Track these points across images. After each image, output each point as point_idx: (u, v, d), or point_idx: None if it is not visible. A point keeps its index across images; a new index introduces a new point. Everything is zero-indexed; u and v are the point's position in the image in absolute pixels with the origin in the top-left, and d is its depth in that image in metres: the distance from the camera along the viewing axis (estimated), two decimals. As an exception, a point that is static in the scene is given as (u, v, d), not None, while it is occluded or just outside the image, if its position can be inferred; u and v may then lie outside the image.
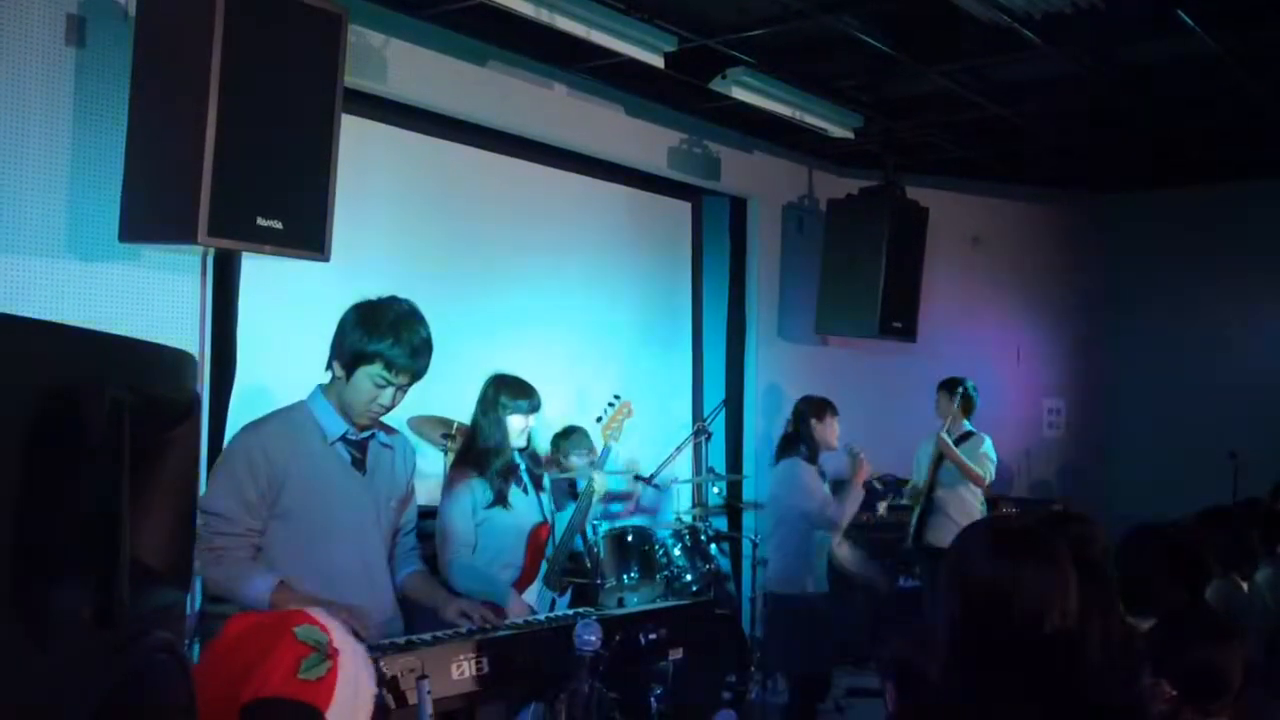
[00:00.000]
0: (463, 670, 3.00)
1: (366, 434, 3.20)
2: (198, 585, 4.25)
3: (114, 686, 1.11)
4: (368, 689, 1.57)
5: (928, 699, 2.21)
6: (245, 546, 3.04)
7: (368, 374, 3.04)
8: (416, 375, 3.12)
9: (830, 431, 5.66)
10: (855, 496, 5.55)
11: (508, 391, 4.19)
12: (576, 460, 5.52)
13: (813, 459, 5.63)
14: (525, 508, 4.25)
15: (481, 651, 3.04)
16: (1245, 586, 3.90)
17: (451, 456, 4.83)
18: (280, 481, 3.04)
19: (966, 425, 6.95)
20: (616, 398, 4.60)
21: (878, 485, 7.15)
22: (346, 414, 3.13)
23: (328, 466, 3.12)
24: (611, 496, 6.44)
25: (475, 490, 4.12)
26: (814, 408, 5.70)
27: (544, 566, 4.31)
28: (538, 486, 4.36)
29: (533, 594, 4.25)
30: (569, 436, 5.74)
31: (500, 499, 4.14)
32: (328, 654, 1.50)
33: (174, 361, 1.29)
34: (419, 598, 3.39)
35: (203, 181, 3.87)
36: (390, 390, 3.07)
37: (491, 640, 3.12)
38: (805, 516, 5.54)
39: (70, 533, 1.03)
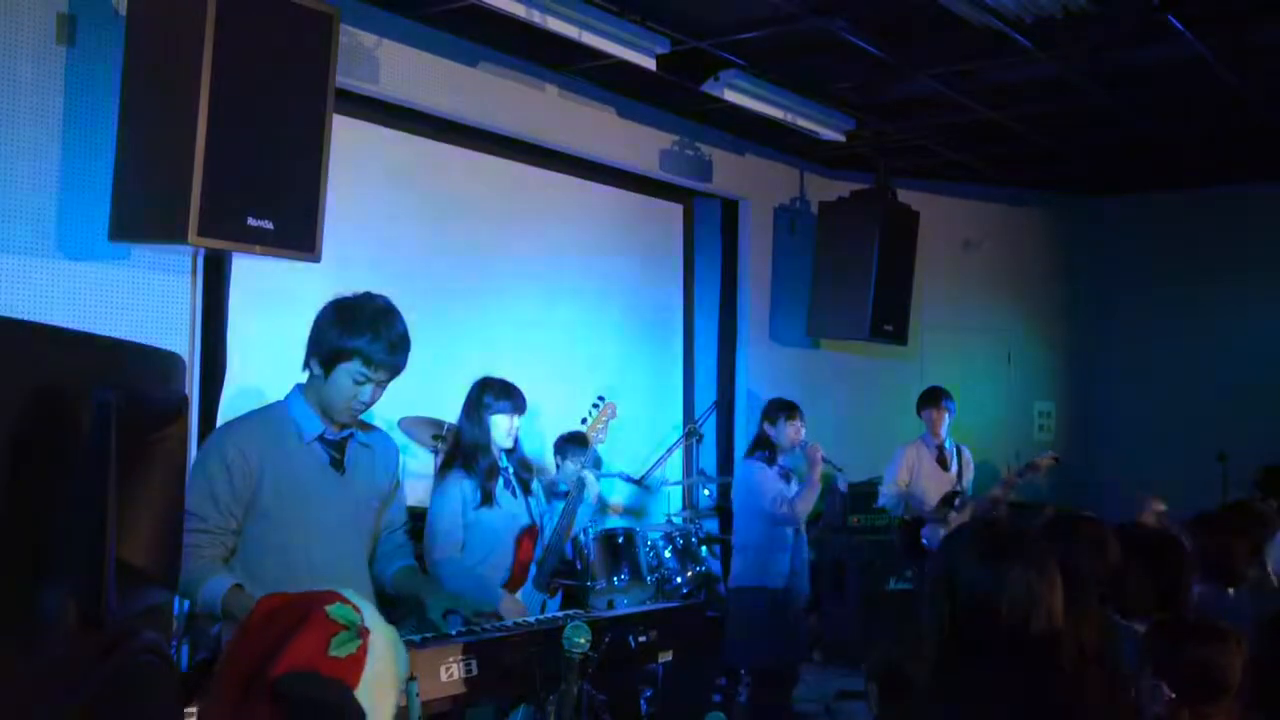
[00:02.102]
0: (452, 672, 3.00)
1: (345, 433, 3.16)
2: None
3: (101, 687, 1.12)
4: (396, 669, 1.61)
5: (914, 701, 2.22)
6: (216, 545, 2.99)
7: (347, 371, 3.01)
8: (395, 371, 3.09)
9: (785, 433, 5.76)
10: (810, 489, 5.68)
11: (491, 392, 4.21)
12: (571, 467, 5.52)
13: (772, 459, 5.77)
14: (513, 510, 4.26)
15: (470, 653, 3.04)
16: (1231, 593, 3.90)
17: (440, 458, 4.83)
18: (256, 481, 3.00)
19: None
20: (601, 399, 4.62)
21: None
22: (326, 413, 3.09)
23: (304, 467, 3.08)
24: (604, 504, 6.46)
25: (465, 489, 4.14)
26: (768, 410, 5.89)
27: (533, 569, 4.31)
28: (526, 490, 4.36)
29: (521, 596, 4.25)
30: (574, 442, 5.70)
31: (488, 498, 4.14)
32: (358, 633, 1.54)
33: (162, 363, 1.30)
34: (407, 591, 3.36)
35: (193, 181, 3.87)
36: (370, 387, 3.04)
37: (481, 642, 3.12)
38: (761, 514, 5.70)
39: (57, 534, 1.03)
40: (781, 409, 5.84)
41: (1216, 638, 2.63)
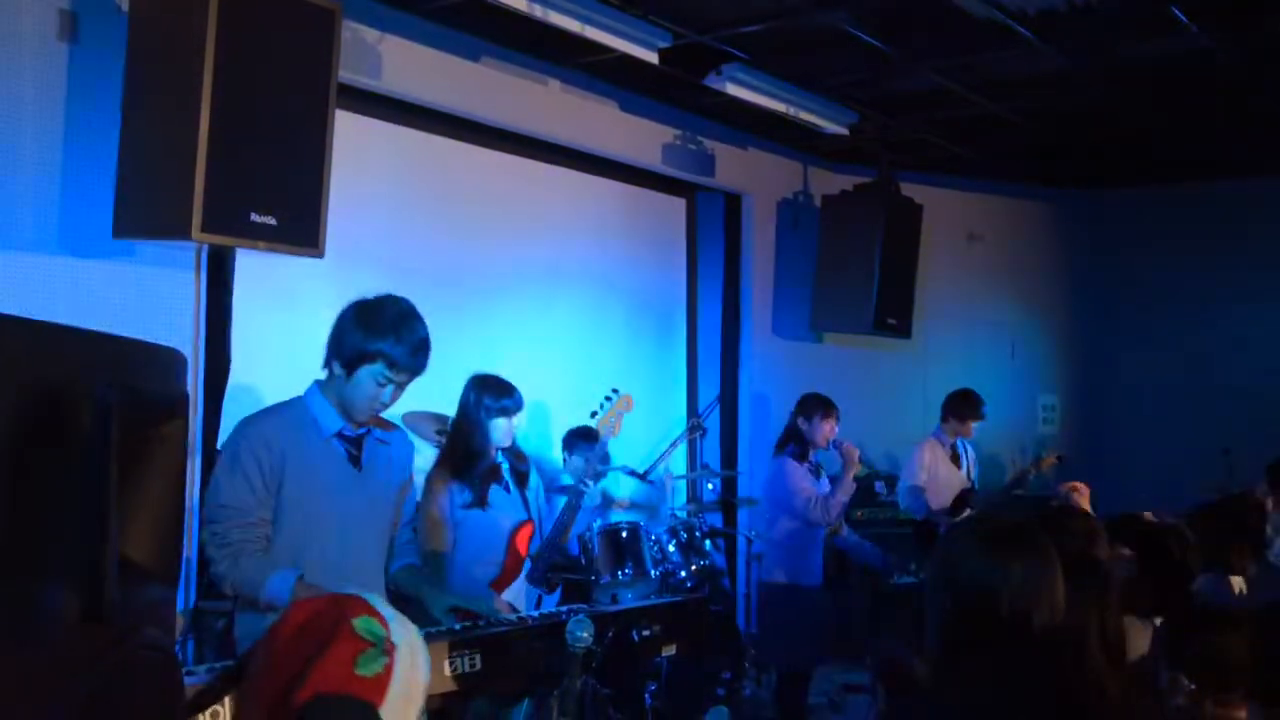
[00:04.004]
0: (455, 666, 3.01)
1: (362, 430, 3.21)
2: (192, 581, 4.26)
3: (103, 683, 1.12)
4: (421, 679, 1.59)
5: (917, 696, 2.22)
6: (259, 539, 3.05)
7: (370, 373, 3.07)
8: (417, 373, 3.15)
9: (820, 431, 5.75)
10: (845, 489, 5.66)
11: (490, 394, 4.20)
12: (578, 461, 5.51)
13: (803, 456, 5.75)
14: (507, 506, 4.26)
15: (474, 648, 3.05)
16: (1234, 584, 3.90)
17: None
18: (280, 473, 3.07)
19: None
20: (615, 391, 4.55)
21: (880, 483, 7.17)
22: (345, 411, 3.14)
23: (323, 462, 3.14)
24: (611, 501, 6.47)
25: (453, 492, 4.14)
26: (805, 406, 5.85)
27: (527, 564, 4.30)
28: (521, 484, 4.36)
29: (513, 592, 4.25)
30: (582, 437, 5.67)
31: (479, 500, 4.15)
32: (385, 649, 1.51)
33: (162, 359, 1.30)
34: (408, 589, 3.40)
35: (196, 177, 3.87)
36: (391, 388, 3.11)
37: (484, 636, 3.13)
38: (793, 514, 5.67)
39: (57, 530, 1.04)
40: (818, 406, 5.82)
41: (1229, 625, 2.64)
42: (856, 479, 5.93)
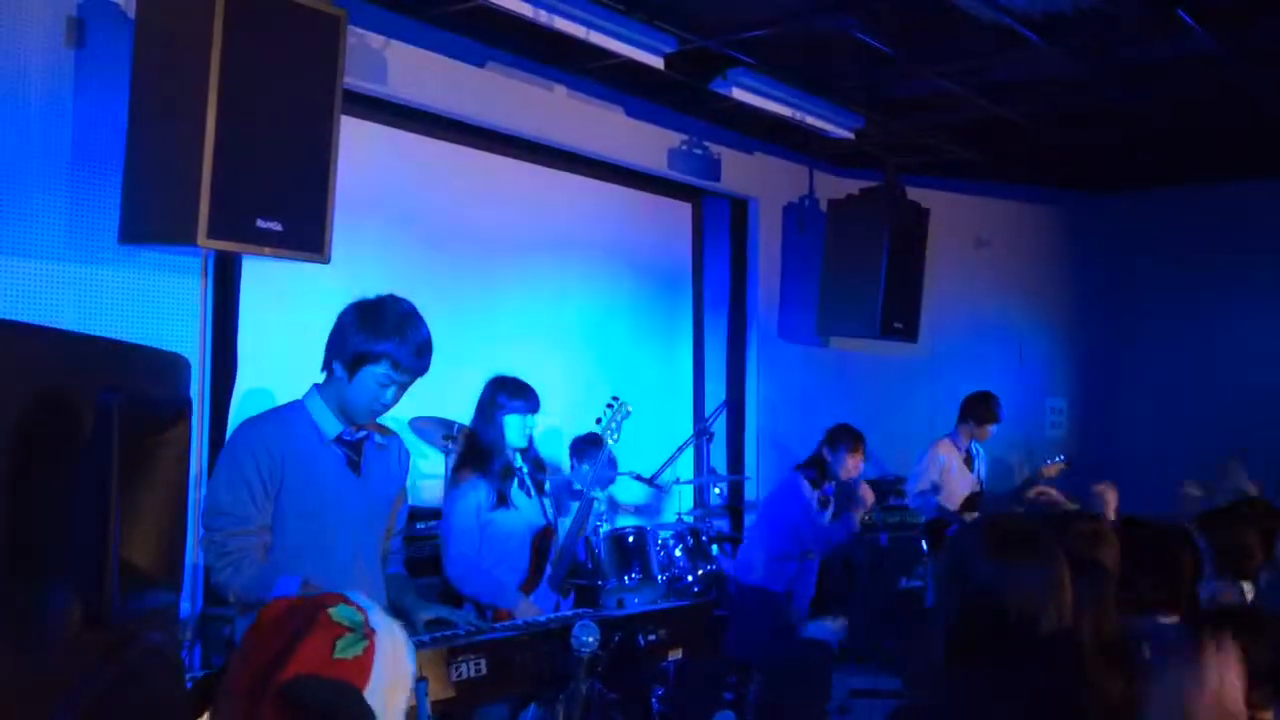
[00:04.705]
0: (461, 672, 3.00)
1: (361, 434, 3.19)
2: (199, 587, 4.26)
3: (105, 687, 1.12)
4: (406, 668, 1.60)
5: (923, 699, 2.22)
6: (258, 547, 3.03)
7: (373, 374, 3.04)
8: (420, 374, 3.12)
9: (843, 464, 5.77)
10: (845, 527, 5.74)
11: (505, 392, 4.22)
12: (587, 468, 5.54)
13: (817, 482, 5.78)
14: (529, 511, 4.27)
15: (480, 653, 3.04)
16: (1247, 589, 3.88)
17: (453, 459, 4.84)
18: (279, 478, 3.04)
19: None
20: (615, 399, 4.63)
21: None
22: (345, 414, 3.12)
23: (323, 466, 3.11)
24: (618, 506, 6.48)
25: (480, 491, 4.14)
26: (833, 437, 5.86)
27: (548, 570, 4.33)
28: (540, 490, 4.37)
29: (537, 597, 4.26)
30: (590, 444, 5.69)
31: (503, 500, 4.15)
32: (364, 634, 1.52)
33: (166, 365, 1.30)
34: (391, 598, 3.37)
35: (202, 183, 3.88)
36: (393, 389, 3.08)
37: (490, 641, 3.12)
38: (782, 525, 5.75)
39: (60, 534, 1.04)
40: (844, 439, 5.83)
41: (1253, 626, 2.63)
42: (862, 522, 5.99)
